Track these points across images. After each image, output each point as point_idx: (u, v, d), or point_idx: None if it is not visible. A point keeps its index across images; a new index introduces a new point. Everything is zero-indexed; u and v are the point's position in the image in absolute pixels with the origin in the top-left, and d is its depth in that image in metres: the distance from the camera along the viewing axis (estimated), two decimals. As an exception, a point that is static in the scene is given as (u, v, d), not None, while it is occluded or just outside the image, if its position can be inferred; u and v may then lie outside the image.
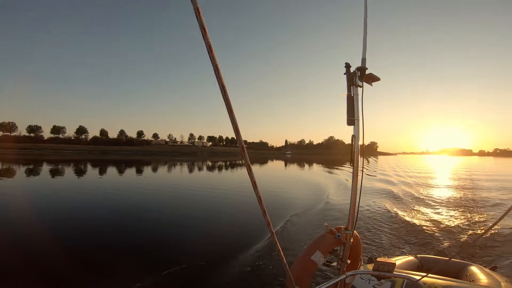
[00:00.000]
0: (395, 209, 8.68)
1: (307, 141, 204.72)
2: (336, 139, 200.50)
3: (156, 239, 6.21)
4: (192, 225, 7.46)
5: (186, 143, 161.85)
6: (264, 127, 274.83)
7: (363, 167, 1.86)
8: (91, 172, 23.48)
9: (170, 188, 14.56)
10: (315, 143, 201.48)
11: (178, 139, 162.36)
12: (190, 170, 27.98)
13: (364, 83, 1.83)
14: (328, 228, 1.99)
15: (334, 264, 1.96)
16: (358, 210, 1.85)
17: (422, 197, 11.20)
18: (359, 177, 1.86)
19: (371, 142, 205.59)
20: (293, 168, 35.88)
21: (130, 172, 24.14)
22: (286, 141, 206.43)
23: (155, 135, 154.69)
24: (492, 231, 6.10)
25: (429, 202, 10.15)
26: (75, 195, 11.47)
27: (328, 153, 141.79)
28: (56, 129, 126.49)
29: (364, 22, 1.85)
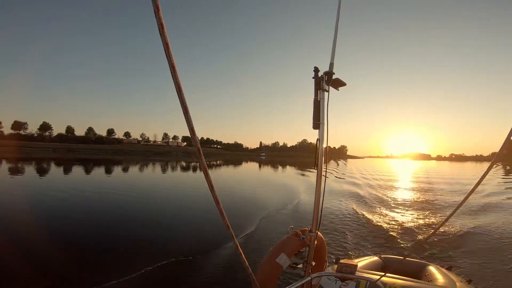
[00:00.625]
0: (361, 211, 9.02)
1: (281, 143, 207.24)
2: (309, 142, 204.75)
3: (131, 238, 6.07)
4: (167, 224, 7.32)
5: (159, 142, 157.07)
6: (239, 128, 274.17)
7: (326, 170, 1.88)
8: (57, 171, 22.00)
9: (143, 187, 14.01)
10: (289, 145, 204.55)
11: (152, 139, 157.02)
12: (164, 170, 27.19)
13: (330, 87, 1.84)
14: (293, 230, 2.01)
15: (300, 266, 1.96)
16: (321, 212, 1.88)
17: (386, 198, 11.76)
18: (323, 180, 1.87)
19: (341, 145, 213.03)
20: (267, 169, 36.12)
21: (99, 171, 22.95)
22: (260, 143, 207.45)
23: (127, 134, 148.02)
24: (449, 232, 6.54)
25: (393, 203, 10.67)
26: (43, 196, 10.67)
27: (301, 156, 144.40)
28: (17, 125, 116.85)
29: (335, 28, 1.87)
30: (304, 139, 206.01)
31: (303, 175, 25.27)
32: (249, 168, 39.24)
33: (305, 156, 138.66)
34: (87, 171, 22.45)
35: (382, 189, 15.14)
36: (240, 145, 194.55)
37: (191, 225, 7.37)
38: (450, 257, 5.11)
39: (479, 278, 4.16)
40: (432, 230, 6.74)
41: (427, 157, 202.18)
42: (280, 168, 39.12)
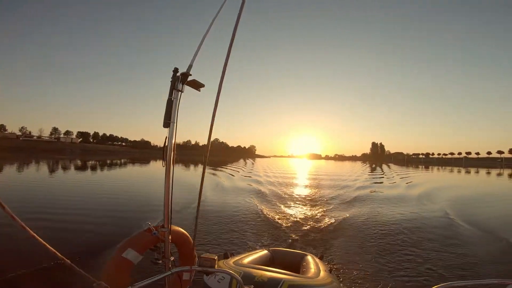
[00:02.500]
0: (260, 206, 9.37)
1: (193, 142, 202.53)
2: (220, 141, 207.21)
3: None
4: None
5: (47, 138, 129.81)
6: (146, 125, 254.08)
7: (173, 166, 1.93)
8: None
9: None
10: (200, 144, 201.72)
11: (36, 133, 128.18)
12: (52, 170, 22.35)
13: (193, 89, 1.93)
14: (148, 226, 2.00)
15: (160, 261, 1.96)
16: (171, 207, 1.92)
17: (283, 194, 12.65)
18: (171, 176, 1.94)
19: (250, 145, 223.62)
20: (177, 168, 34.35)
21: None
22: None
23: (0, 127, 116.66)
24: (326, 223, 7.41)
25: (288, 198, 11.53)
26: None
27: (213, 155, 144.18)
28: None
29: (204, 34, 1.90)
30: (216, 138, 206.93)
31: (214, 174, 25.01)
32: (157, 166, 36.55)
33: (216, 155, 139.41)
34: None
35: (281, 186, 16.35)
36: (148, 143, 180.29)
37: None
38: (323, 246, 5.75)
39: (344, 263, 4.77)
40: (313, 223, 7.52)
41: (319, 157, 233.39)
42: (191, 167, 37.91)
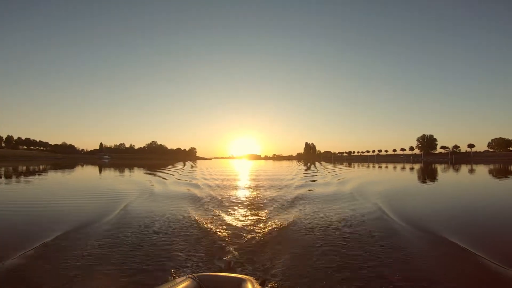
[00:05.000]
0: (195, 217, 7.82)
1: (127, 145, 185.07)
2: (159, 144, 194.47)
3: None
4: None
5: None
6: (69, 127, 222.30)
7: None
8: None
9: None
10: (136, 147, 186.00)
11: None
12: None
13: None
14: None
15: None
16: None
17: (219, 198, 11.25)
18: None
19: (191, 147, 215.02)
20: (108, 173, 29.82)
21: None
22: (101, 144, 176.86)
23: None
24: (264, 235, 6.28)
25: (224, 204, 10.16)
26: None
27: (151, 158, 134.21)
28: None
29: None
30: (153, 141, 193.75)
31: (147, 179, 22.03)
32: (83, 173, 31.06)
33: (155, 158, 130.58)
34: None
35: (220, 188, 14.94)
36: (72, 147, 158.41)
37: None
38: (263, 265, 4.56)
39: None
40: (252, 233, 6.32)
41: (258, 157, 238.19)
42: (125, 171, 33.45)
